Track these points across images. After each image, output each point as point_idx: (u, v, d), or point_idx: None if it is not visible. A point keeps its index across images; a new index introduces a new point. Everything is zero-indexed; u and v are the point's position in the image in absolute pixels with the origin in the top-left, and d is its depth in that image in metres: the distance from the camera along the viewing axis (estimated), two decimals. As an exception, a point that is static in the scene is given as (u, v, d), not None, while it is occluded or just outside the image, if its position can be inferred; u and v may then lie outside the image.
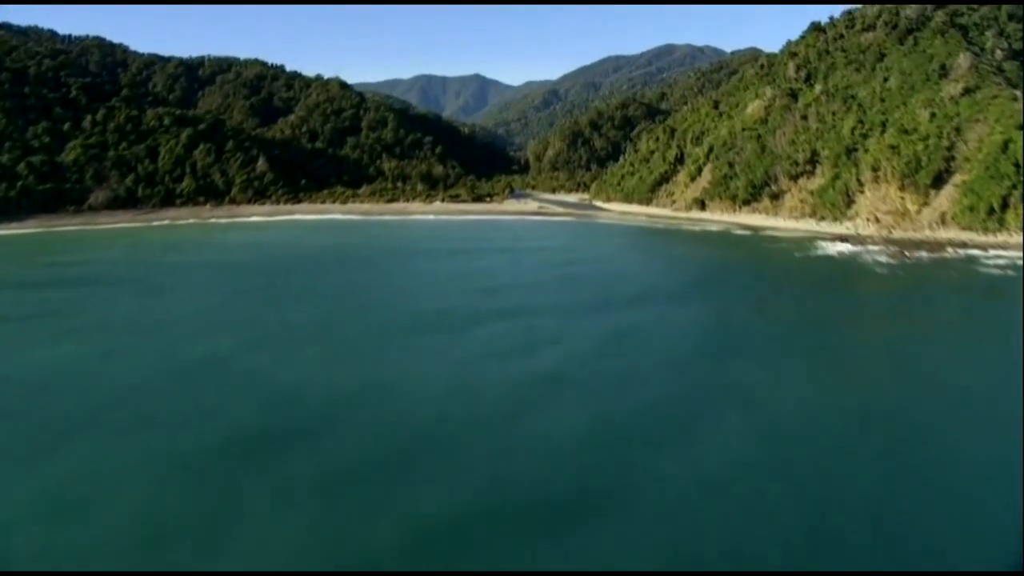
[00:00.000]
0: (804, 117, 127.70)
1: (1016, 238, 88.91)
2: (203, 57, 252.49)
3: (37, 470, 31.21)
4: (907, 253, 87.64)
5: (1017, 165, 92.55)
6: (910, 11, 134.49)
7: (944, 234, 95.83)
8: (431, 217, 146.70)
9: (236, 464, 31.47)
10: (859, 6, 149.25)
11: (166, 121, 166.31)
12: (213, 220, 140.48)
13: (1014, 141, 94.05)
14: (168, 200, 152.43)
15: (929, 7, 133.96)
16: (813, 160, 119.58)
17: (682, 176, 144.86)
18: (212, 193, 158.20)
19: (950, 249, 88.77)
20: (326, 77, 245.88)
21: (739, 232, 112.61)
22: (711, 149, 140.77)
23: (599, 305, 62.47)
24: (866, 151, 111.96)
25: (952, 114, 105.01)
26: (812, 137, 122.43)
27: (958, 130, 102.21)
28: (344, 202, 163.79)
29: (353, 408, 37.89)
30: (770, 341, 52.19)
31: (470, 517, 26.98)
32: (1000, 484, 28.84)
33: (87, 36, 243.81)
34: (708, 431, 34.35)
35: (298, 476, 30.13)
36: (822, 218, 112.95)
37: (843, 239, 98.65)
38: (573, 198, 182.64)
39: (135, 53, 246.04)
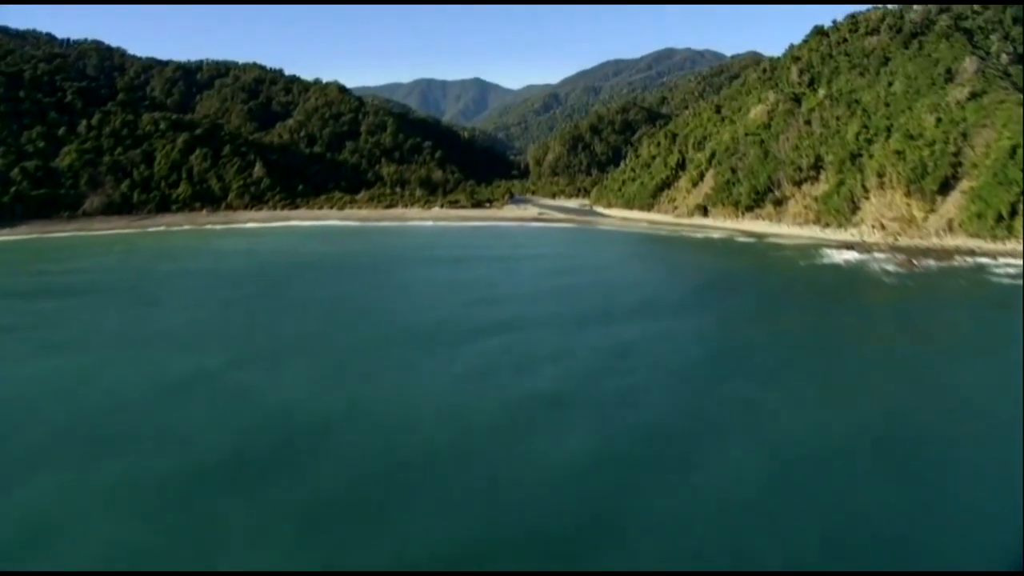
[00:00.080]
0: (808, 122, 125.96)
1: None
2: (201, 61, 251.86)
3: (9, 496, 29.62)
4: (915, 261, 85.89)
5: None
6: (914, 14, 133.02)
7: (952, 241, 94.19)
8: (429, 223, 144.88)
9: (215, 491, 30.30)
10: (862, 7, 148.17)
11: (162, 126, 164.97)
12: (209, 226, 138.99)
13: (1022, 146, 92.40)
14: (164, 206, 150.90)
15: (933, 10, 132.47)
16: (817, 166, 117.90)
17: (684, 182, 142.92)
18: (208, 199, 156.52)
19: (958, 257, 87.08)
20: (325, 81, 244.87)
21: (742, 239, 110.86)
22: (713, 154, 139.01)
23: (600, 317, 60.92)
24: (871, 157, 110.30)
25: (958, 119, 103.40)
26: (816, 142, 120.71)
27: (965, 135, 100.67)
28: (342, 208, 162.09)
29: (342, 431, 36.34)
30: (776, 357, 50.40)
31: (463, 552, 25.85)
32: (1001, 487, 29.65)
33: (85, 40, 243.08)
34: (713, 457, 32.94)
35: (280, 505, 28.94)
36: (827, 225, 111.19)
37: (849, 246, 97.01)
38: (573, 203, 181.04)
39: (133, 57, 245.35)
